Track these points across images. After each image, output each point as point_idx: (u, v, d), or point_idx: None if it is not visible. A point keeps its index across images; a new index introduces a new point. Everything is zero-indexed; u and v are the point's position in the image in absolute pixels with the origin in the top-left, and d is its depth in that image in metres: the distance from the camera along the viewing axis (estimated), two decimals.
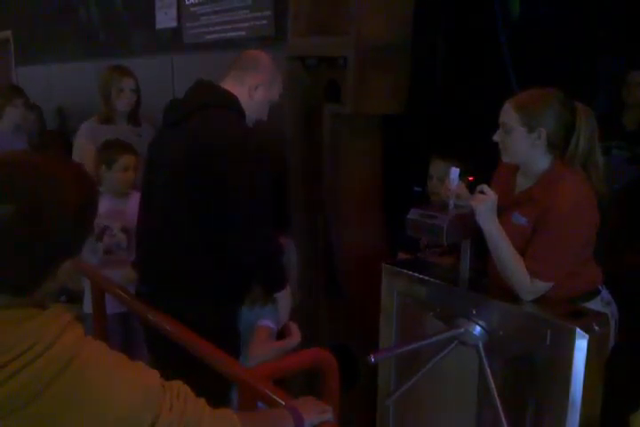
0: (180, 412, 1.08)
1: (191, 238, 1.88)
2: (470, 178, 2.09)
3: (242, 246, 1.84)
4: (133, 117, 3.21)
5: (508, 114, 1.80)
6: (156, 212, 1.97)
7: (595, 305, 1.85)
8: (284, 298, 1.97)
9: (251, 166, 1.81)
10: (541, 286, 1.76)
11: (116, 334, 2.55)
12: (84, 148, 3.09)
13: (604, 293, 1.91)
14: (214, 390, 1.89)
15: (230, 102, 1.93)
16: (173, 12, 3.79)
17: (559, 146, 1.80)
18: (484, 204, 1.75)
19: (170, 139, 1.94)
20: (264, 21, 3.06)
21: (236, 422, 1.17)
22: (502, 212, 1.84)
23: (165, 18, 3.86)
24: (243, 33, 3.22)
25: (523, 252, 1.78)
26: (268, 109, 2.09)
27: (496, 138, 1.85)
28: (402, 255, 2.47)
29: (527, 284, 1.75)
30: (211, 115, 1.87)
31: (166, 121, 2.01)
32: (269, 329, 1.95)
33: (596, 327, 1.65)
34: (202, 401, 1.15)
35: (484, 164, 2.02)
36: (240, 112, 1.95)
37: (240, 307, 2.00)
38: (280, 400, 1.40)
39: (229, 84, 1.98)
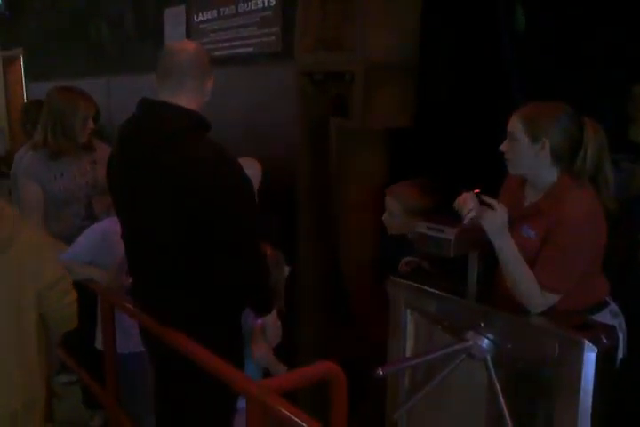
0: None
1: (181, 267, 1.85)
2: (476, 190, 2.10)
3: (231, 275, 1.83)
4: (88, 145, 2.84)
5: (514, 123, 1.83)
6: (146, 241, 1.91)
7: (603, 317, 1.85)
8: (271, 321, 2.00)
9: (239, 197, 1.78)
10: (550, 299, 1.76)
11: (138, 373, 2.43)
12: (32, 190, 2.72)
13: (613, 305, 1.91)
14: (220, 401, 1.92)
15: (196, 120, 1.83)
16: (182, 28, 3.85)
17: (565, 159, 1.81)
18: (493, 221, 1.74)
19: (146, 170, 1.81)
20: (272, 37, 3.11)
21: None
22: (511, 225, 1.85)
23: (174, 34, 3.92)
24: (251, 49, 3.27)
25: (531, 264, 1.78)
26: None
27: (502, 148, 1.87)
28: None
29: (539, 297, 1.75)
30: (186, 151, 1.75)
31: (132, 148, 1.87)
32: (261, 325, 2.01)
33: (605, 340, 1.65)
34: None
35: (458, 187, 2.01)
36: (205, 124, 1.86)
37: (239, 319, 2.00)
38: (290, 415, 1.41)
39: (181, 99, 1.84)
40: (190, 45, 1.91)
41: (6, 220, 1.69)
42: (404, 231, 2.41)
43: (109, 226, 2.39)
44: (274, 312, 2.01)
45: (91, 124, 2.79)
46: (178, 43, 2.06)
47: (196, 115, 1.84)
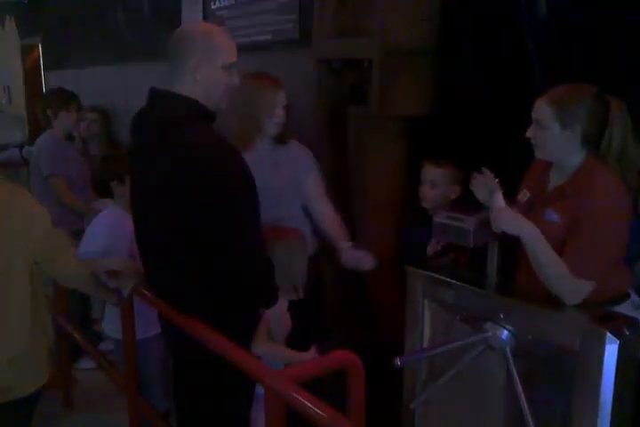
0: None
1: (182, 261, 1.85)
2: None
3: (238, 273, 1.81)
4: (280, 136, 2.51)
5: (542, 110, 1.78)
6: (149, 235, 1.93)
7: (625, 309, 1.82)
8: (279, 311, 1.94)
9: (237, 191, 1.74)
10: (584, 286, 1.72)
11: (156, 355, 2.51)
12: None
13: (635, 297, 1.88)
14: (238, 388, 1.92)
15: (194, 109, 1.79)
16: (199, 16, 3.83)
17: (593, 141, 1.78)
18: (499, 220, 1.74)
19: (149, 163, 1.82)
20: (289, 25, 3.08)
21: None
22: (535, 209, 1.82)
23: (191, 21, 3.90)
24: (268, 36, 3.24)
25: (556, 249, 1.74)
26: (224, 93, 1.85)
27: (529, 134, 1.83)
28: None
29: (573, 286, 1.71)
30: (183, 141, 1.74)
31: (139, 140, 1.91)
32: (266, 320, 1.96)
33: (627, 332, 1.62)
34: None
35: (487, 165, 1.98)
36: (205, 114, 1.81)
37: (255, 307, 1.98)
38: (308, 403, 1.40)
39: (181, 86, 1.80)
40: (192, 28, 1.86)
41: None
42: (440, 203, 2.40)
43: (108, 218, 2.54)
44: (283, 303, 1.96)
45: (280, 114, 2.46)
46: (182, 27, 1.98)
47: (196, 104, 1.79)
